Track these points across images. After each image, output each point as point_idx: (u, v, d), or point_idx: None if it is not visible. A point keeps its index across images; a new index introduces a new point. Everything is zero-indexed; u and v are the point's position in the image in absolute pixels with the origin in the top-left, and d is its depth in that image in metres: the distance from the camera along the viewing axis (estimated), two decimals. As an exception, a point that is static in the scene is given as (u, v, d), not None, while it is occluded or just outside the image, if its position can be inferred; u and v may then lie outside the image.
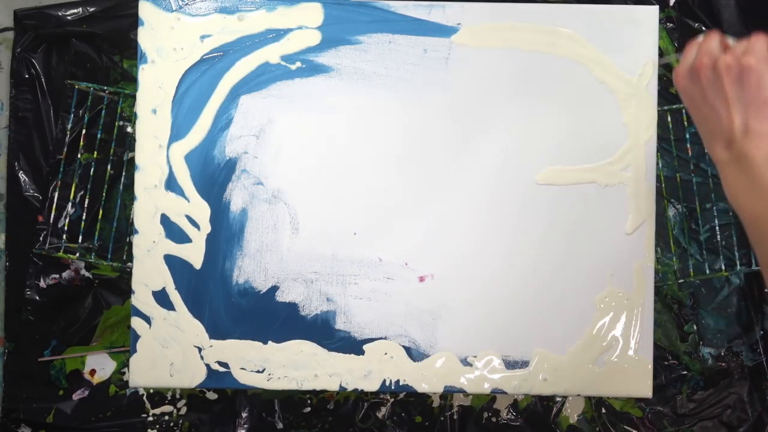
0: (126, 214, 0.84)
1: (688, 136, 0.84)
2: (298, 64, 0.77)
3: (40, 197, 0.84)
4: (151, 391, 0.84)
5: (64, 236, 0.82)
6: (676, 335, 0.84)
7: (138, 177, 0.76)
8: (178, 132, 0.76)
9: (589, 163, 0.76)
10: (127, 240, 0.83)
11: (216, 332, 0.76)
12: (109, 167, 0.83)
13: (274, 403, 0.84)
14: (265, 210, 0.76)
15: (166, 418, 0.84)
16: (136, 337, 0.75)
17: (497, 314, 0.76)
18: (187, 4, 0.76)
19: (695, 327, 0.84)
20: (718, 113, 0.47)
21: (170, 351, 0.76)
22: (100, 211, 0.83)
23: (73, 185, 0.83)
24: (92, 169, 0.82)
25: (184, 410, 0.84)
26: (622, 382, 0.76)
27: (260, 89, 0.76)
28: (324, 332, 0.76)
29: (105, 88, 0.82)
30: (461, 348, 0.76)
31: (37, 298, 0.83)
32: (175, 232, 0.76)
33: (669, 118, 0.84)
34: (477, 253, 0.76)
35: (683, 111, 0.83)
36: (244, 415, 0.83)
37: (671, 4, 0.86)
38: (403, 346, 0.76)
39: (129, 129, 0.84)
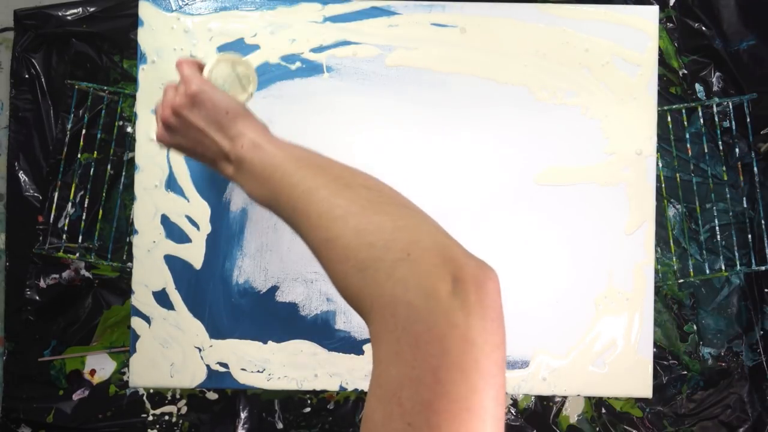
0: (126, 214, 0.84)
1: (688, 136, 0.84)
2: (298, 64, 0.77)
3: (40, 197, 0.84)
4: (151, 391, 0.84)
5: (64, 236, 0.82)
6: (676, 335, 0.84)
7: (138, 177, 0.76)
8: (178, 132, 0.76)
9: (588, 163, 0.76)
10: (127, 240, 0.83)
11: (216, 332, 0.76)
12: (109, 167, 0.83)
13: (274, 403, 0.84)
14: (265, 210, 0.76)
15: (166, 418, 0.84)
16: (136, 337, 0.75)
17: (497, 314, 0.76)
18: (187, 4, 0.76)
19: (695, 327, 0.84)
20: (205, 143, 0.51)
21: (170, 351, 0.76)
22: (100, 211, 0.83)
23: (73, 185, 0.83)
24: (92, 169, 0.82)
25: (184, 410, 0.84)
26: (622, 382, 0.76)
27: (260, 89, 0.76)
28: (324, 332, 0.76)
29: (105, 88, 0.82)
30: (461, 348, 0.76)
31: (37, 298, 0.83)
32: (175, 232, 0.76)
33: (669, 118, 0.84)
34: (476, 253, 0.76)
35: (683, 111, 0.83)
36: (244, 415, 0.83)
37: (671, 4, 0.86)
38: (403, 346, 0.76)
39: (129, 129, 0.84)
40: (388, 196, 0.41)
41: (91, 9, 0.84)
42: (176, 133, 0.53)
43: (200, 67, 0.57)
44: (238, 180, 0.50)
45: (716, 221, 0.83)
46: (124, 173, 0.83)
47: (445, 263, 0.34)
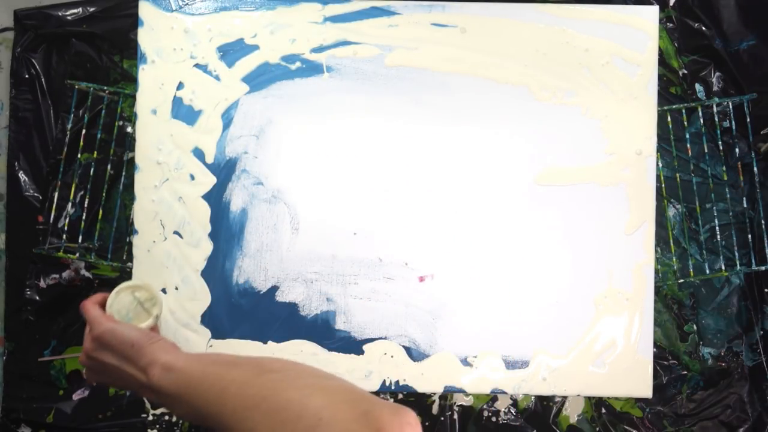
0: (126, 214, 0.84)
1: (688, 136, 0.84)
2: (298, 64, 0.77)
3: (40, 197, 0.84)
4: (151, 391, 0.84)
5: (64, 236, 0.82)
6: (676, 335, 0.84)
7: (138, 177, 0.76)
8: (178, 132, 0.76)
9: (588, 163, 0.76)
10: (127, 240, 0.83)
11: (216, 332, 0.76)
12: (109, 167, 0.83)
13: (274, 403, 0.84)
14: (265, 210, 0.76)
15: (166, 418, 0.84)
16: (136, 337, 0.75)
17: (497, 314, 0.76)
18: (186, 4, 0.76)
19: (695, 327, 0.84)
20: (123, 377, 0.53)
21: (170, 351, 0.75)
22: (100, 211, 0.83)
23: (73, 185, 0.83)
24: (92, 169, 0.82)
25: (184, 410, 0.84)
26: (622, 382, 0.76)
27: (260, 89, 0.76)
28: (324, 332, 0.76)
29: (105, 88, 0.82)
30: (461, 348, 0.76)
31: (37, 298, 0.83)
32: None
33: (669, 118, 0.84)
34: (477, 253, 0.76)
35: (683, 111, 0.83)
36: (244, 415, 0.83)
37: (671, 4, 0.86)
38: (403, 346, 0.76)
39: (129, 129, 0.84)
40: (297, 374, 0.42)
41: (91, 9, 0.84)
42: (96, 373, 0.55)
43: (105, 301, 0.59)
44: (164, 406, 0.52)
45: (716, 221, 0.83)
46: (124, 173, 0.83)
47: (359, 419, 0.33)
